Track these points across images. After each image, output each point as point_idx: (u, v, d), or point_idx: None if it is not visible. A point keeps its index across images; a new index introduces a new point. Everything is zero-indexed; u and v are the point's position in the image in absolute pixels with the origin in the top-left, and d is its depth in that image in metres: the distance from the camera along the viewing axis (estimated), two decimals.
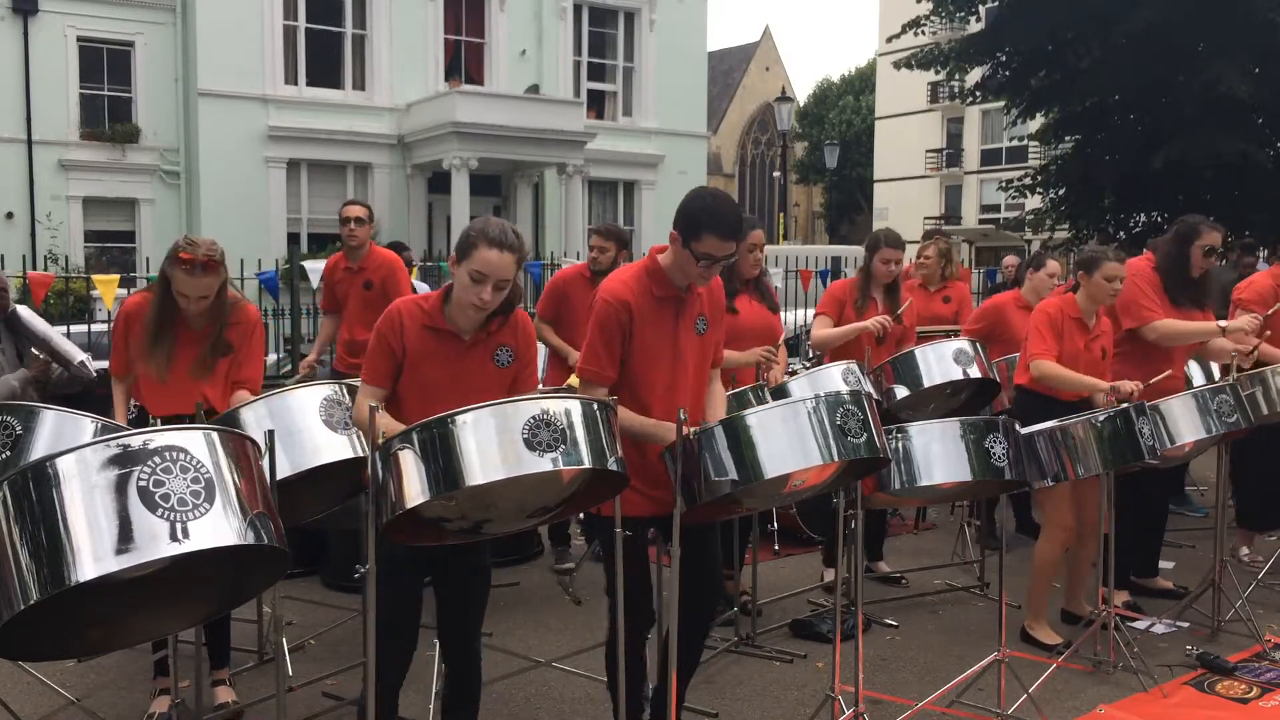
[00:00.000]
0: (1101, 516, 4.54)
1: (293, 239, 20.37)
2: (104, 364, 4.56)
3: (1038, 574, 4.80)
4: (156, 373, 3.83)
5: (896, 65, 17.29)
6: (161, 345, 3.81)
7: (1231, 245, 11.06)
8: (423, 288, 7.55)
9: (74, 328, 8.02)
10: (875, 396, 4.82)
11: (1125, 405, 4.22)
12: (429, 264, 13.13)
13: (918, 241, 6.89)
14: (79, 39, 20.52)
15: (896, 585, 5.69)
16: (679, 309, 3.30)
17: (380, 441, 2.76)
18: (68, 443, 3.16)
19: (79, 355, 5.30)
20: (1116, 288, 4.64)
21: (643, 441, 3.20)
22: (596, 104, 24.21)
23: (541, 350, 6.00)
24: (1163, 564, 5.68)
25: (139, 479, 2.23)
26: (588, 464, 2.73)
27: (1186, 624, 5.03)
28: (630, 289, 3.22)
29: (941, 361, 5.15)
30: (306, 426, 3.38)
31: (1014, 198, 19.45)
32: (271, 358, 7.59)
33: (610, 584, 3.28)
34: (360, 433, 3.34)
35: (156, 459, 2.26)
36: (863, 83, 49.11)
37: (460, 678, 3.37)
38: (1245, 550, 6.01)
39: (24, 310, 5.18)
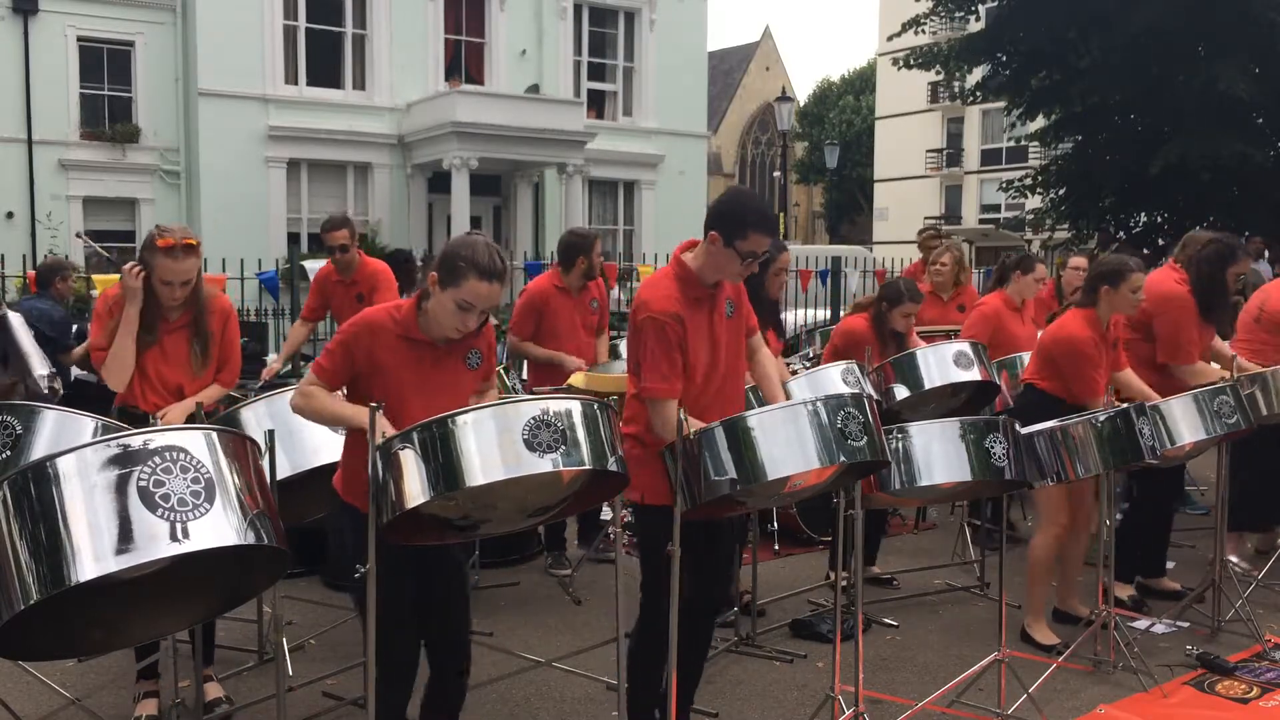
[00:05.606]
0: (1102, 516, 4.54)
1: (293, 239, 20.38)
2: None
3: (1035, 573, 4.80)
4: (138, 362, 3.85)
5: (896, 64, 17.30)
6: (150, 336, 3.84)
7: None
8: None
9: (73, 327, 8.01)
10: (875, 397, 4.81)
11: (1125, 405, 4.22)
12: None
13: (913, 240, 6.89)
14: (79, 39, 20.51)
15: (888, 587, 5.66)
16: (711, 304, 3.38)
17: (380, 441, 2.76)
18: (68, 443, 3.16)
19: (41, 369, 5.22)
20: (1140, 298, 4.64)
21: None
22: (596, 104, 24.21)
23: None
24: None
25: (139, 479, 2.23)
26: (588, 465, 2.73)
27: (1186, 624, 5.03)
28: (675, 300, 3.26)
29: (942, 363, 5.15)
30: (306, 426, 3.38)
31: (1014, 198, 19.49)
32: (272, 358, 7.60)
33: (644, 574, 3.35)
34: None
35: (156, 459, 2.27)
36: (863, 83, 49.05)
37: (447, 680, 3.35)
38: (1234, 559, 5.95)
39: (15, 318, 5.09)
